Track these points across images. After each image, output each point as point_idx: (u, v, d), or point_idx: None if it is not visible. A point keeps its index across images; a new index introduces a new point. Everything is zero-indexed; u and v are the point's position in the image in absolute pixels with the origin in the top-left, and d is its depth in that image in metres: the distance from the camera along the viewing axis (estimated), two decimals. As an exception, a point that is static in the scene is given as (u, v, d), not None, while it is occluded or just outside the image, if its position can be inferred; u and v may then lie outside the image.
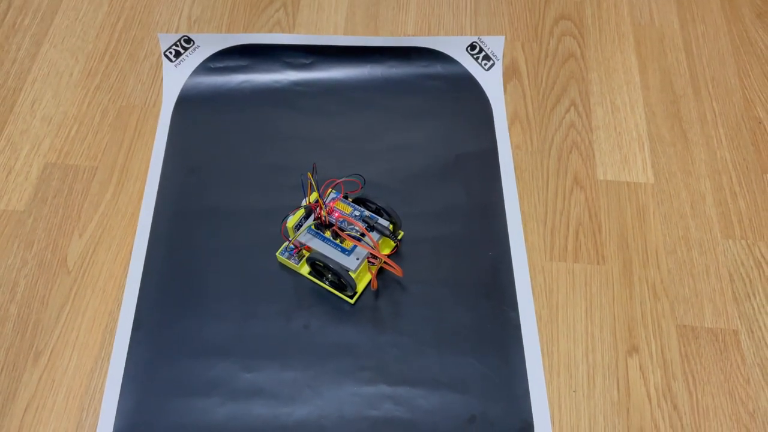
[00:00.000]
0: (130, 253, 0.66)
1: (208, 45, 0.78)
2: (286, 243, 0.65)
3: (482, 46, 0.80)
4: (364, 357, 0.62)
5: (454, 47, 0.79)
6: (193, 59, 0.78)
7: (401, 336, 0.63)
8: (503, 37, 0.80)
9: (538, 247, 0.67)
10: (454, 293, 0.65)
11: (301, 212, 0.63)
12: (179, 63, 0.78)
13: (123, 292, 0.64)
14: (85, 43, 0.82)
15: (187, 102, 0.76)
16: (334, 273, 0.62)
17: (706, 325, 0.63)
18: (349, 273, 0.61)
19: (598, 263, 0.66)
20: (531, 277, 0.65)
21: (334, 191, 0.67)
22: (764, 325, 0.63)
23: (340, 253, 0.62)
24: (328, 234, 0.63)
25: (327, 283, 0.64)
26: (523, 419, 0.58)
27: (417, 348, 0.62)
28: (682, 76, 0.80)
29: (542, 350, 0.62)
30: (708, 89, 0.79)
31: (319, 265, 0.63)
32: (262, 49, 0.79)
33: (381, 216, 0.65)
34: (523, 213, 0.69)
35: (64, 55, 0.81)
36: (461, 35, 0.83)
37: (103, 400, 0.59)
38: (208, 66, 0.78)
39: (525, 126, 0.76)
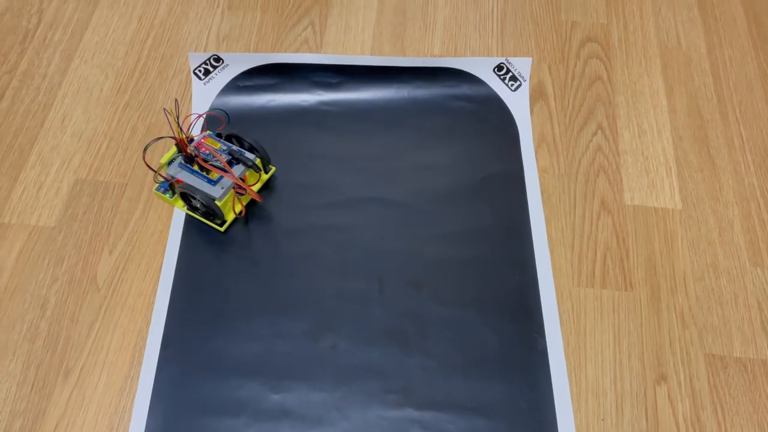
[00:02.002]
0: (159, 270, 0.67)
1: (237, 64, 0.79)
2: (156, 176, 0.70)
3: (509, 67, 0.80)
4: (391, 380, 0.62)
5: (481, 68, 0.80)
6: (221, 78, 0.79)
7: (428, 359, 0.63)
8: (530, 59, 0.80)
9: (566, 272, 0.67)
10: (481, 316, 0.65)
11: (173, 150, 0.69)
12: (208, 81, 0.79)
13: (152, 311, 0.64)
14: (115, 59, 0.83)
15: (215, 120, 0.76)
16: (202, 203, 0.66)
17: (734, 355, 0.63)
18: (215, 202, 0.66)
19: (625, 289, 0.66)
20: (558, 302, 0.65)
21: (209, 131, 0.71)
22: (794, 355, 0.63)
23: (207, 184, 0.67)
24: (196, 167, 0.67)
25: (198, 213, 0.69)
26: (551, 447, 0.58)
27: (444, 371, 0.62)
28: (709, 101, 0.80)
29: (570, 377, 0.62)
30: (736, 114, 0.79)
31: (190, 197, 0.67)
32: (290, 69, 0.79)
33: (252, 152, 0.70)
34: (550, 237, 0.69)
35: (94, 71, 0.81)
36: (488, 56, 0.83)
37: (132, 419, 0.59)
38: (237, 84, 0.78)
39: (552, 149, 0.76)
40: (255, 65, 0.79)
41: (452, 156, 0.75)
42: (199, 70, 0.79)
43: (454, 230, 0.70)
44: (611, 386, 0.61)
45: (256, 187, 0.70)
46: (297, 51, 0.83)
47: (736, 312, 0.65)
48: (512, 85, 0.80)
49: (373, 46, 0.85)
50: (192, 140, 0.68)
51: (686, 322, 0.64)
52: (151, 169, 0.69)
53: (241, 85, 0.79)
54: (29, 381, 0.61)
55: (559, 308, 0.65)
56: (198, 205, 0.68)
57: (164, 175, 0.68)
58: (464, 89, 0.80)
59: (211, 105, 0.78)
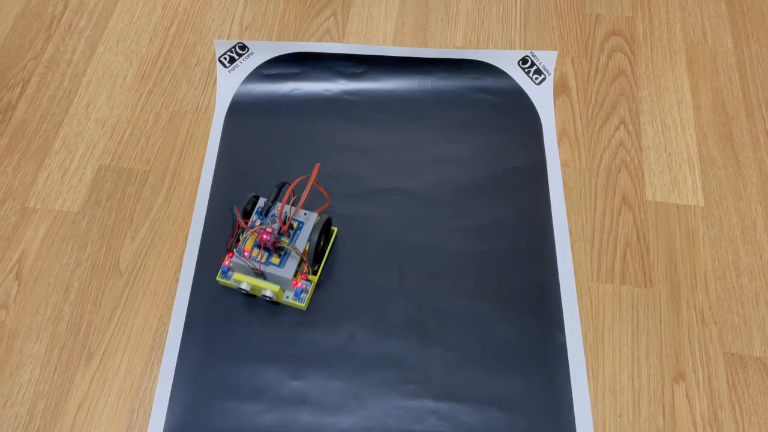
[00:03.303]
0: (181, 258, 0.67)
1: (262, 52, 0.79)
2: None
3: (534, 60, 0.79)
4: (409, 370, 0.62)
5: (506, 61, 0.79)
6: (246, 65, 0.79)
7: (446, 350, 0.63)
8: (556, 52, 0.79)
9: (585, 267, 0.67)
10: (500, 309, 0.65)
11: (252, 239, 0.63)
12: (233, 69, 0.79)
13: (174, 297, 0.65)
14: (139, 46, 0.83)
15: (240, 108, 0.77)
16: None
17: (754, 354, 0.62)
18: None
19: (645, 286, 0.66)
20: (578, 297, 0.65)
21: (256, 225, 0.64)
22: (815, 356, 0.62)
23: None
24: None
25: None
26: (568, 441, 0.58)
27: (462, 363, 0.62)
28: (735, 97, 0.79)
29: (587, 372, 0.62)
30: (761, 111, 0.78)
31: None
32: (314, 58, 0.79)
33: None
34: (570, 232, 0.69)
35: (119, 59, 0.82)
36: (510, 48, 0.83)
37: (154, 402, 0.60)
38: (261, 72, 0.79)
39: (573, 143, 0.75)
40: (280, 54, 0.79)
41: (474, 149, 0.75)
42: (225, 58, 0.79)
43: (474, 223, 0.70)
44: (629, 383, 0.61)
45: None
46: (319, 40, 0.83)
47: (757, 311, 0.65)
48: (537, 78, 0.79)
49: (396, 36, 0.84)
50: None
51: (706, 320, 0.64)
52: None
53: (265, 73, 0.79)
54: (53, 363, 0.62)
55: (578, 303, 0.65)
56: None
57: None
58: (488, 82, 0.80)
59: (236, 93, 0.78)
